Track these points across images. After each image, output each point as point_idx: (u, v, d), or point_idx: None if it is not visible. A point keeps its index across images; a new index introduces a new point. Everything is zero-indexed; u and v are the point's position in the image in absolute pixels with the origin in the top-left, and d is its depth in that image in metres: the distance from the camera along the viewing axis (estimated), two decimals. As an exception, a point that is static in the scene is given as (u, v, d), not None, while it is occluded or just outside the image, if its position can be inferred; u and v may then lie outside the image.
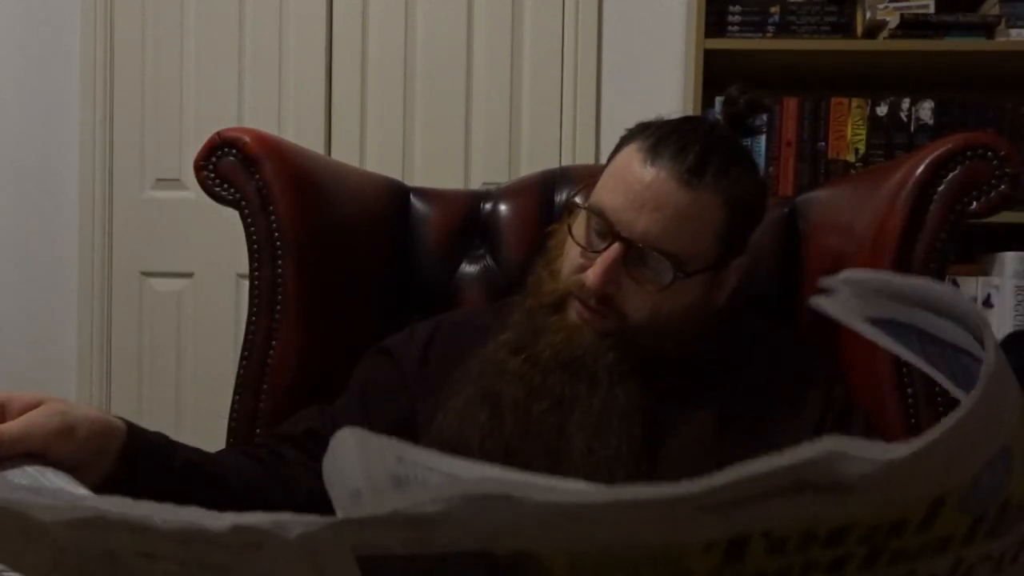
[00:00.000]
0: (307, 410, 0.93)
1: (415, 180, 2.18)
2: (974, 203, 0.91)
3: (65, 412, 0.60)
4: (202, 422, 2.30)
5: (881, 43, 1.94)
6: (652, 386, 0.84)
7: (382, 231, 1.19)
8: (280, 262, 1.02)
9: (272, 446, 0.87)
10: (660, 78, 2.22)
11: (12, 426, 0.58)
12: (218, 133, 1.02)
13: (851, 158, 1.97)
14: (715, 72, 1.93)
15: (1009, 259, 1.84)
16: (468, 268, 1.21)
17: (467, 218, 1.22)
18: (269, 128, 1.33)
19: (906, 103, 1.95)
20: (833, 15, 1.99)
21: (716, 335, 0.90)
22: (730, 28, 1.99)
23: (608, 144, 0.92)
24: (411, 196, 1.23)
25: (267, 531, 0.27)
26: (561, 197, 1.20)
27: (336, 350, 1.06)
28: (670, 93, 2.20)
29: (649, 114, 0.91)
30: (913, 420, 0.92)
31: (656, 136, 0.84)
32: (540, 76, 2.28)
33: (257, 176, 1.01)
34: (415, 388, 0.92)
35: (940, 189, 0.92)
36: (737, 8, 1.99)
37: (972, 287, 1.87)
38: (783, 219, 1.14)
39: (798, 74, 2.03)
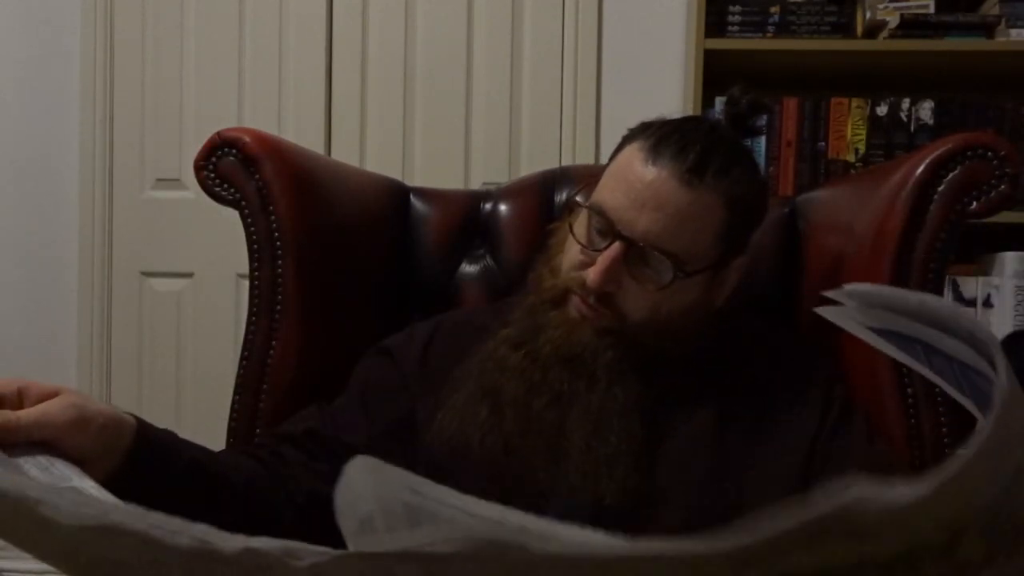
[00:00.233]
0: (307, 410, 0.93)
1: (415, 180, 2.18)
2: (974, 203, 0.91)
3: (81, 405, 0.61)
4: (202, 422, 2.30)
5: (881, 43, 1.94)
6: (651, 385, 0.85)
7: (382, 231, 1.19)
8: (280, 262, 1.02)
9: (272, 446, 0.87)
10: (660, 78, 2.22)
11: (29, 413, 0.59)
12: (218, 133, 1.02)
13: (851, 158, 1.97)
14: (715, 72, 1.93)
15: (1009, 259, 1.84)
16: (468, 268, 1.21)
17: (467, 218, 1.22)
18: (269, 128, 1.33)
19: (906, 103, 1.95)
20: (833, 15, 1.99)
21: (716, 335, 0.90)
22: (730, 28, 1.99)
23: (608, 144, 0.92)
24: (411, 196, 1.23)
25: (277, 558, 0.27)
26: (561, 197, 1.20)
27: (336, 350, 1.06)
28: (670, 93, 2.20)
29: (649, 114, 0.91)
30: (913, 420, 0.92)
31: (657, 135, 0.84)
32: (540, 76, 2.28)
33: (257, 176, 1.01)
34: (415, 388, 0.92)
35: (940, 189, 0.92)
36: (737, 8, 1.99)
37: (972, 287, 1.87)
38: (783, 219, 1.14)
39: (798, 74, 2.03)
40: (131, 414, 0.67)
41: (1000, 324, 1.84)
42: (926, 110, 1.94)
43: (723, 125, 0.91)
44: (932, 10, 1.93)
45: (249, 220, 1.02)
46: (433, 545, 0.25)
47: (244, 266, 1.06)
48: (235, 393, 1.04)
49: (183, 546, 0.28)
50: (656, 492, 0.82)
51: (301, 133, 2.29)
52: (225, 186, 1.02)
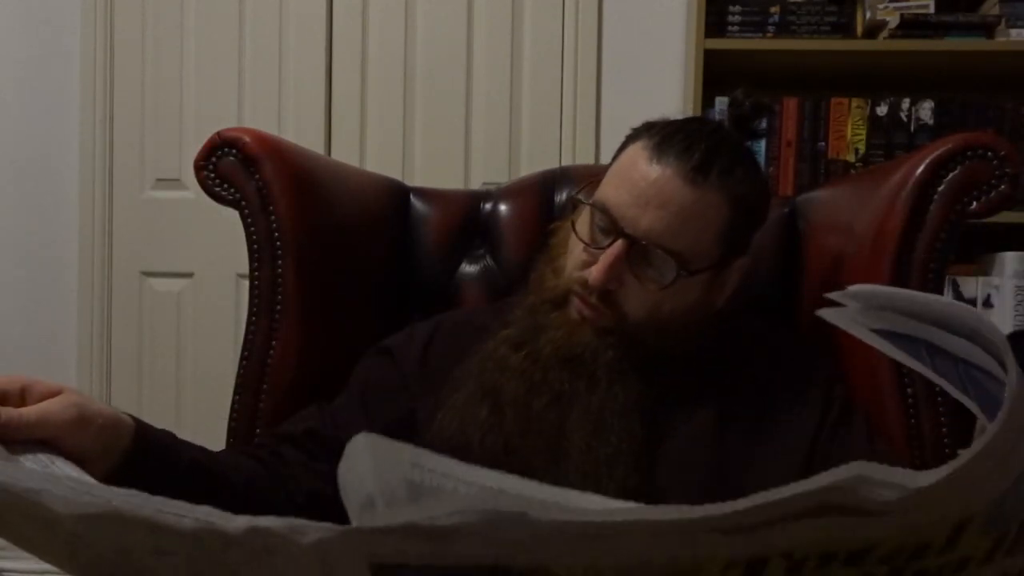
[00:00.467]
0: (307, 410, 0.93)
1: (415, 180, 2.18)
2: (974, 203, 0.91)
3: (82, 405, 0.62)
4: (202, 422, 2.30)
5: (881, 43, 1.94)
6: (652, 385, 0.85)
7: (382, 231, 1.19)
8: (280, 262, 1.02)
9: (272, 446, 0.87)
10: (660, 78, 2.22)
11: (31, 411, 0.59)
12: (218, 133, 1.02)
13: (851, 158, 1.97)
14: (715, 72, 1.93)
15: (1009, 259, 1.84)
16: (468, 268, 1.21)
17: (467, 218, 1.22)
18: (269, 128, 1.33)
19: (906, 103, 1.95)
20: (833, 15, 1.99)
21: (716, 335, 0.90)
22: (730, 28, 1.99)
23: (608, 144, 0.92)
24: (411, 196, 1.23)
25: (281, 535, 0.27)
26: (561, 197, 1.20)
27: (336, 350, 1.06)
28: (670, 93, 2.20)
29: (649, 114, 0.91)
30: (913, 420, 0.92)
31: (662, 135, 0.84)
32: (540, 76, 2.28)
33: (257, 176, 1.01)
34: (415, 388, 0.92)
35: (940, 189, 0.92)
36: (737, 8, 1.99)
37: (972, 287, 1.87)
38: (783, 219, 1.14)
39: (798, 74, 2.03)
40: (129, 415, 0.67)
41: (1000, 324, 1.84)
42: (926, 110, 1.94)
43: (726, 126, 0.91)
44: (932, 10, 1.94)
45: (249, 220, 1.02)
46: (436, 518, 0.25)
47: (244, 266, 1.06)
48: (235, 393, 1.04)
49: (187, 528, 0.28)
50: (656, 492, 0.82)
51: (301, 133, 2.29)
52: (225, 186, 1.02)
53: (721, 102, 1.93)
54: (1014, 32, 1.91)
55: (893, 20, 1.92)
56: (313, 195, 1.05)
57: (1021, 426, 0.26)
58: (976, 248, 1.91)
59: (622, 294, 0.84)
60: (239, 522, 0.28)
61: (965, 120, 1.93)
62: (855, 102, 1.96)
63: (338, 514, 0.30)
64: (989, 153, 0.91)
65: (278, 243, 1.02)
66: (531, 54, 2.28)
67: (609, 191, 0.85)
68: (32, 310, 2.45)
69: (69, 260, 2.43)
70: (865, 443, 0.86)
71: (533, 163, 2.19)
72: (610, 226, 0.83)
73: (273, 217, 1.01)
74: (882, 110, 1.96)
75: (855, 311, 0.42)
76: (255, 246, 1.02)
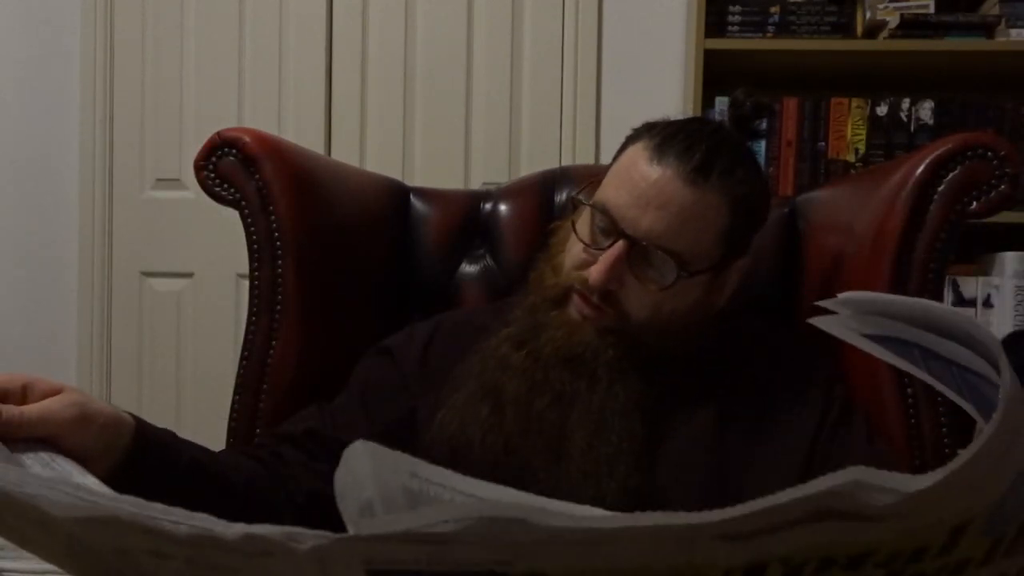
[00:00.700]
0: (307, 410, 0.93)
1: (415, 180, 2.18)
2: (974, 203, 0.91)
3: (83, 404, 0.62)
4: (202, 422, 2.30)
5: (881, 43, 1.94)
6: (652, 384, 0.85)
7: (382, 231, 1.19)
8: (280, 262, 1.02)
9: (272, 446, 0.87)
10: (660, 78, 2.22)
11: (32, 409, 0.59)
12: (218, 133, 1.02)
13: (851, 158, 1.97)
14: (715, 72, 1.93)
15: (1009, 259, 1.84)
16: (468, 268, 1.21)
17: (467, 218, 1.22)
18: (269, 128, 1.33)
19: (906, 103, 1.95)
20: (833, 15, 1.99)
21: (716, 335, 0.90)
22: (730, 28, 1.99)
23: (608, 144, 0.92)
24: (411, 196, 1.23)
25: (279, 543, 0.27)
26: (561, 197, 1.20)
27: (336, 350, 1.06)
28: (670, 93, 2.20)
29: (649, 114, 0.91)
30: (913, 420, 0.92)
31: (662, 135, 0.84)
32: (540, 76, 2.28)
33: (257, 176, 1.01)
34: (415, 388, 0.92)
35: (940, 189, 0.92)
36: (737, 8, 1.99)
37: (972, 287, 1.87)
38: (783, 219, 1.14)
39: (798, 74, 2.03)
40: (130, 413, 0.67)
41: (1000, 324, 1.84)
42: (926, 110, 1.94)
43: (727, 127, 0.91)
44: (932, 10, 1.94)
45: (249, 220, 1.02)
46: (434, 526, 0.25)
47: (244, 266, 1.06)
48: (235, 393, 1.04)
49: (184, 534, 0.29)
50: (657, 492, 0.82)
51: (301, 133, 2.29)
52: (225, 186, 1.02)
53: (721, 102, 1.93)
54: (1014, 32, 1.91)
55: (893, 20, 1.92)
56: (313, 195, 1.05)
57: (1016, 428, 0.26)
58: (976, 248, 1.91)
59: (622, 295, 0.84)
60: (235, 530, 0.28)
61: (965, 120, 1.93)
62: (855, 102, 1.96)
63: (338, 514, 0.31)
64: (989, 153, 0.91)
65: (278, 243, 1.02)
66: (531, 54, 2.28)
67: (609, 192, 0.85)
68: (32, 310, 2.45)
69: (69, 260, 2.43)
70: (865, 443, 0.86)
71: (533, 163, 2.19)
72: (610, 227, 0.83)
73: (273, 217, 1.01)
74: (882, 110, 1.96)
75: (848, 317, 0.42)
76: (255, 246, 1.02)
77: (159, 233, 2.40)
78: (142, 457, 0.66)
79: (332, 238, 1.08)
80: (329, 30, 2.33)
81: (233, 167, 1.01)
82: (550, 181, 1.22)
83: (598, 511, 0.25)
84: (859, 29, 1.99)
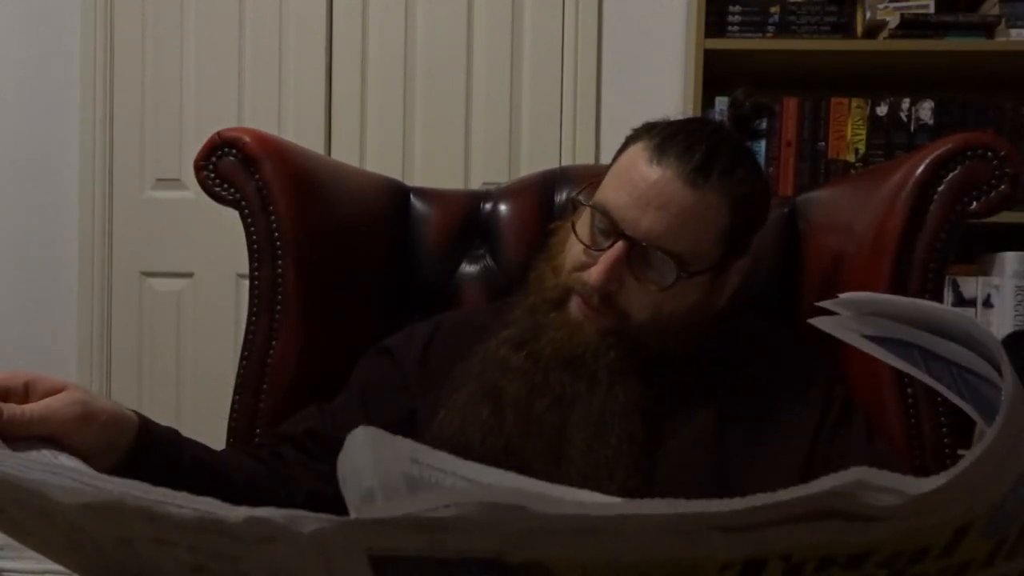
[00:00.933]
0: (307, 410, 0.93)
1: (415, 180, 2.18)
2: (974, 203, 0.91)
3: (86, 402, 0.62)
4: (202, 422, 2.30)
5: (881, 43, 1.94)
6: (652, 385, 0.84)
7: (382, 231, 1.19)
8: (280, 262, 1.02)
9: (272, 446, 0.87)
10: (660, 78, 2.22)
11: (34, 408, 0.59)
12: (218, 133, 1.02)
13: (851, 158, 1.97)
14: (715, 72, 1.93)
15: (1009, 259, 1.84)
16: (468, 268, 1.21)
17: (467, 218, 1.22)
18: (269, 128, 1.33)
19: (906, 103, 1.95)
20: (833, 15, 1.99)
21: (716, 335, 0.90)
22: (730, 28, 1.99)
23: (608, 144, 0.92)
24: (411, 196, 1.23)
25: (281, 525, 0.27)
26: (561, 197, 1.20)
27: (336, 350, 1.06)
28: (670, 93, 2.20)
29: (649, 114, 0.91)
30: (913, 420, 0.92)
31: (662, 136, 0.84)
32: (540, 76, 2.28)
33: (257, 176, 1.01)
34: (415, 388, 0.92)
35: (940, 189, 0.92)
36: (737, 8, 1.99)
37: (972, 287, 1.87)
38: (783, 219, 1.14)
39: (798, 74, 2.03)
40: (134, 411, 0.68)
41: (1000, 324, 1.84)
42: (926, 110, 1.94)
43: (727, 127, 0.91)
44: (932, 10, 1.93)
45: (249, 220, 1.02)
46: (434, 511, 0.25)
47: (244, 266, 1.06)
48: (235, 393, 1.04)
49: (187, 518, 0.29)
50: (657, 493, 0.82)
51: (301, 133, 2.29)
52: (225, 186, 1.02)
53: (721, 102, 1.93)
54: (1014, 32, 1.91)
55: (893, 20, 1.92)
56: (313, 195, 1.05)
57: (1018, 429, 0.26)
58: (976, 248, 1.91)
59: (622, 295, 0.84)
60: (238, 512, 0.28)
61: (965, 120, 1.93)
62: (855, 102, 1.96)
63: (338, 514, 0.31)
64: (989, 153, 0.91)
65: (278, 243, 1.02)
66: (531, 54, 2.28)
67: (609, 192, 0.85)
68: (32, 310, 2.45)
69: (69, 260, 2.43)
70: (865, 443, 0.86)
71: (533, 163, 2.19)
72: (610, 228, 0.83)
73: (273, 217, 1.01)
74: (882, 110, 1.96)
75: (848, 318, 0.42)
76: (255, 246, 1.02)
77: (159, 233, 2.40)
78: (145, 455, 0.67)
79: (332, 238, 1.08)
80: (329, 30, 2.33)
81: (233, 167, 1.01)
82: (550, 181, 1.22)
83: (599, 496, 0.25)
84: (859, 29, 1.99)
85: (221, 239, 2.30)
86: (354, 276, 1.13)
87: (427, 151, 2.31)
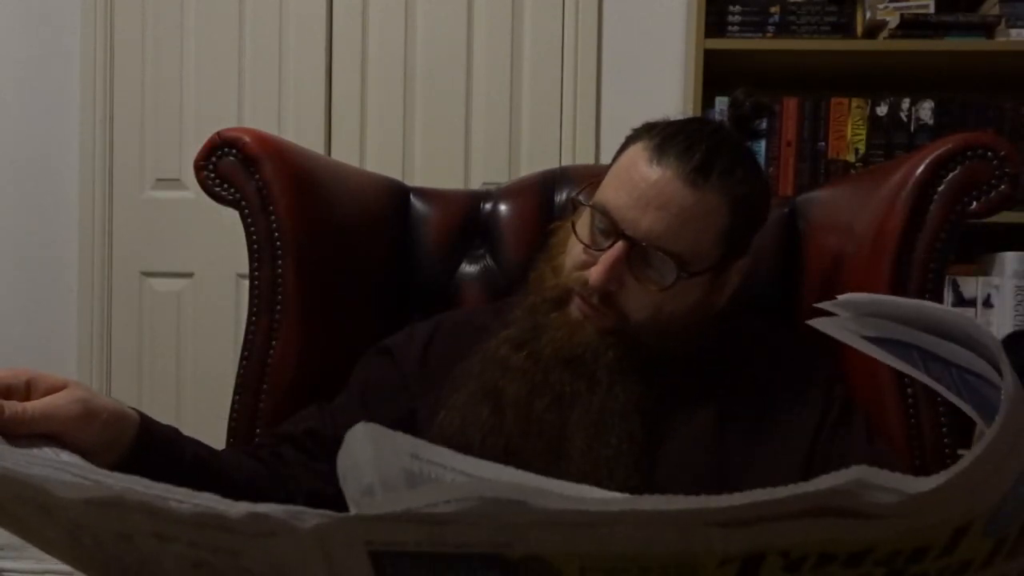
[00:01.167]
0: (307, 410, 0.93)
1: (415, 180, 2.18)
2: (974, 203, 0.91)
3: (87, 399, 0.62)
4: (202, 422, 2.30)
5: (881, 43, 1.94)
6: (652, 385, 0.85)
7: (382, 231, 1.19)
8: (280, 262, 1.02)
9: (272, 446, 0.87)
10: (660, 78, 2.22)
11: (36, 405, 0.59)
12: (218, 133, 1.02)
13: (851, 158, 1.97)
14: (715, 72, 1.93)
15: (1009, 259, 1.84)
16: (468, 268, 1.21)
17: (467, 218, 1.22)
18: (269, 128, 1.33)
19: (906, 103, 1.95)
20: (833, 15, 1.99)
21: (716, 335, 0.90)
22: (730, 28, 1.99)
23: (608, 144, 0.92)
24: (411, 196, 1.23)
25: (281, 521, 0.27)
26: (561, 197, 1.20)
27: (336, 350, 1.06)
28: (670, 93, 2.20)
29: (649, 114, 0.91)
30: (913, 420, 0.92)
31: (662, 136, 0.84)
32: (540, 76, 2.28)
33: (257, 176, 1.01)
34: (415, 388, 0.92)
35: (940, 189, 0.92)
36: (737, 8, 1.99)
37: (972, 287, 1.87)
38: (783, 219, 1.14)
39: (798, 74, 2.03)
40: (135, 409, 0.68)
41: (1000, 324, 1.84)
42: (926, 110, 1.94)
43: (727, 127, 0.91)
44: (932, 10, 1.94)
45: (249, 220, 1.02)
46: (434, 506, 0.25)
47: (244, 266, 1.06)
48: (235, 393, 1.04)
49: (188, 513, 0.29)
50: (656, 493, 0.82)
51: (301, 133, 2.29)
52: (225, 186, 1.02)
53: (721, 102, 1.93)
54: (1014, 32, 1.91)
55: (893, 20, 1.92)
56: (313, 195, 1.05)
57: (1018, 429, 0.26)
58: (976, 248, 1.91)
59: (622, 295, 0.84)
60: (239, 508, 0.28)
61: (965, 120, 1.93)
62: (855, 102, 1.96)
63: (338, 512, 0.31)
64: (989, 153, 0.91)
65: (278, 243, 1.02)
66: (531, 54, 2.28)
67: (609, 192, 0.85)
68: (32, 310, 2.45)
69: (69, 260, 2.43)
70: (865, 443, 0.86)
71: (533, 163, 2.19)
72: (610, 228, 0.83)
73: (273, 217, 1.01)
74: (882, 110, 1.96)
75: (847, 319, 0.42)
76: (255, 246, 1.02)
77: (159, 233, 2.40)
78: (145, 453, 0.67)
79: (332, 238, 1.08)
80: (329, 30, 2.33)
81: (233, 167, 1.01)
82: (550, 181, 1.22)
83: (598, 491, 0.25)
84: (859, 29, 1.99)
85: (221, 239, 2.30)
86: (354, 276, 1.13)
87: (427, 151, 2.31)
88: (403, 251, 1.20)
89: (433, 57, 2.30)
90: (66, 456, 0.58)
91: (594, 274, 0.82)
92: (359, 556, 0.27)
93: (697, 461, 0.84)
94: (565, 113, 2.26)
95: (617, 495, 0.25)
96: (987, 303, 1.86)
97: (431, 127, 2.30)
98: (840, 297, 0.42)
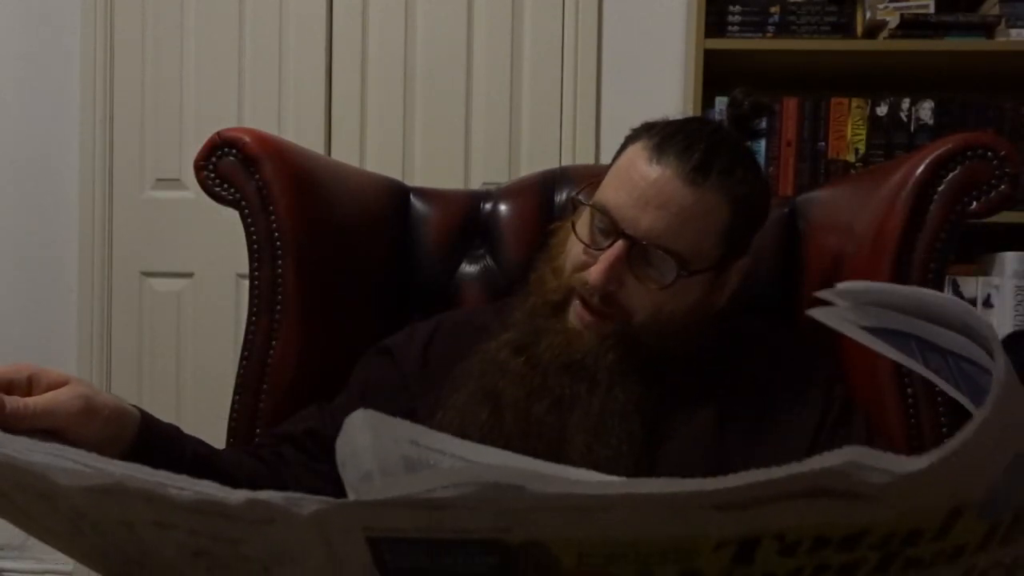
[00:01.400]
0: (307, 410, 0.93)
1: (415, 180, 2.18)
2: (974, 203, 0.91)
3: (89, 396, 0.62)
4: (202, 422, 2.29)
5: (881, 43, 1.94)
6: (652, 386, 0.85)
7: (382, 231, 1.19)
8: (280, 262, 1.02)
9: (272, 446, 0.87)
10: (660, 78, 2.22)
11: (38, 401, 0.59)
12: (218, 133, 1.02)
13: (851, 158, 1.97)
14: (715, 72, 1.93)
15: (1009, 259, 1.84)
16: (468, 268, 1.21)
17: (467, 218, 1.22)
18: (269, 128, 1.33)
19: (906, 103, 1.95)
20: (833, 15, 1.99)
21: (716, 335, 0.90)
22: (730, 28, 1.99)
23: (608, 144, 0.92)
24: (411, 196, 1.23)
25: (280, 507, 0.27)
26: (561, 197, 1.20)
27: (336, 350, 1.06)
28: (670, 93, 2.20)
29: (649, 114, 0.91)
30: (913, 420, 0.92)
31: (662, 135, 0.84)
32: (540, 76, 2.28)
33: (257, 176, 1.01)
34: (415, 387, 0.92)
35: (940, 189, 0.92)
36: (737, 8, 1.99)
37: (972, 287, 1.87)
38: (783, 219, 1.14)
39: (798, 74, 2.03)
40: (136, 407, 0.68)
41: (1000, 324, 1.84)
42: (926, 110, 1.94)
43: (726, 126, 0.91)
44: (932, 10, 1.93)
45: (249, 220, 1.02)
46: (433, 491, 0.25)
47: (244, 266, 1.06)
48: (235, 393, 1.04)
49: (188, 500, 0.29)
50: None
51: (301, 133, 2.29)
52: (225, 186, 1.02)
53: (721, 102, 1.93)
54: (1014, 32, 1.91)
55: (893, 20, 1.92)
56: (313, 195, 1.06)
57: (1010, 411, 0.26)
58: (976, 248, 1.91)
59: (623, 295, 0.84)
60: (239, 495, 0.28)
61: (965, 120, 1.93)
62: (855, 102, 1.96)
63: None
64: (989, 153, 0.91)
65: (278, 243, 1.02)
66: (531, 54, 2.28)
67: (609, 192, 0.85)
68: (32, 310, 2.45)
69: (69, 260, 2.43)
70: (865, 443, 0.86)
71: (533, 163, 2.19)
72: (610, 227, 0.83)
73: (273, 217, 1.01)
74: (882, 110, 1.95)
75: (845, 309, 0.42)
76: (255, 246, 1.02)
77: (159, 233, 2.40)
78: (146, 450, 0.67)
79: (332, 238, 1.08)
80: (329, 30, 2.33)
81: (233, 167, 1.01)
82: (550, 181, 1.22)
83: (596, 475, 0.25)
84: (859, 29, 1.99)
85: (221, 239, 2.30)
86: (354, 276, 1.13)
87: (427, 151, 2.31)
88: (403, 251, 1.20)
89: (433, 57, 2.30)
90: (70, 452, 0.58)
91: (594, 273, 0.82)
92: (357, 542, 0.27)
93: (697, 461, 0.84)
94: (565, 113, 2.26)
95: (615, 479, 0.25)
96: (987, 303, 1.86)
97: (431, 127, 2.30)
98: (839, 285, 0.42)
